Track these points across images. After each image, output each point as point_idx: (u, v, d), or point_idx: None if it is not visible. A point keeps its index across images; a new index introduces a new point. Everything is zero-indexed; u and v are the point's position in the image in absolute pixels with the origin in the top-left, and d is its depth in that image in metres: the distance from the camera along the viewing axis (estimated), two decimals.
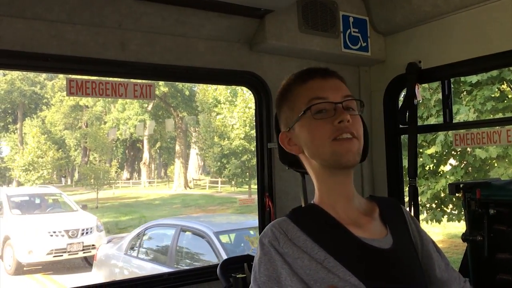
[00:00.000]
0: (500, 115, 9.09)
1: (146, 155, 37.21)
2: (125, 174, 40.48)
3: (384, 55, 2.97)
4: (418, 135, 2.87)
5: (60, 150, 34.99)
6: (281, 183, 2.75)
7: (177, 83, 29.60)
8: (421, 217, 9.96)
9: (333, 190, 1.35)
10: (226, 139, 26.08)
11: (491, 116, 9.01)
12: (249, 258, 1.87)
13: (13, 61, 2.14)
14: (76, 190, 32.23)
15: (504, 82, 9.44)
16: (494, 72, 8.66)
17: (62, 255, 12.28)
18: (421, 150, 9.63)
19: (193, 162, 35.66)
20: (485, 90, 9.11)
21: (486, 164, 9.83)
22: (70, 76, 2.27)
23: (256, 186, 2.88)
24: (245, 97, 24.07)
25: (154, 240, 8.40)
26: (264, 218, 2.71)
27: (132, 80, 2.46)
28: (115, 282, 2.65)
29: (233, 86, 22.15)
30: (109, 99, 28.35)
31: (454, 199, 9.68)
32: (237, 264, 1.78)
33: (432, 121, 9.29)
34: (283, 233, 1.27)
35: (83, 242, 12.49)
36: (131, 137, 36.99)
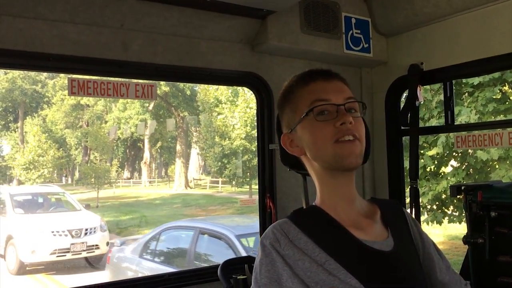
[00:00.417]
0: (501, 117, 9.08)
1: (146, 155, 37.21)
2: (126, 173, 40.50)
3: (386, 56, 2.96)
4: (419, 136, 2.87)
5: (61, 149, 34.99)
6: (282, 184, 2.75)
7: (178, 83, 29.59)
8: (422, 218, 9.95)
9: (335, 192, 1.35)
10: (227, 139, 26.07)
11: (493, 117, 9.00)
12: (249, 260, 1.86)
13: (15, 60, 2.14)
14: (76, 189, 32.23)
15: (506, 84, 9.43)
16: (496, 74, 8.65)
17: (65, 255, 12.20)
18: (422, 152, 9.62)
19: (194, 162, 35.66)
20: (486, 91, 9.10)
21: (488, 166, 9.81)
22: (72, 75, 2.27)
23: (256, 186, 2.88)
24: (246, 97, 24.06)
25: (170, 243, 8.15)
26: (265, 219, 2.71)
27: (133, 80, 2.46)
28: (115, 282, 2.65)
29: (234, 87, 22.17)
30: (110, 98, 28.41)
31: (455, 200, 9.66)
32: (238, 266, 1.78)
33: (434, 122, 9.28)
34: (284, 235, 1.27)
35: (86, 242, 12.39)
36: (132, 137, 37.00)
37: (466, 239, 2.00)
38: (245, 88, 3.90)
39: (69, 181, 40.25)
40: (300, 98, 1.36)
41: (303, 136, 1.35)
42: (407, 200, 2.92)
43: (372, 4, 2.87)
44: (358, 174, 1.41)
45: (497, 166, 9.70)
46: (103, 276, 8.89)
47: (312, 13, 2.69)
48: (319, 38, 2.71)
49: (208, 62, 2.56)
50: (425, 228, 10.20)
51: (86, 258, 12.62)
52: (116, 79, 2.37)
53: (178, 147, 34.15)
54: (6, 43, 2.02)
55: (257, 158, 2.86)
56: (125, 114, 34.64)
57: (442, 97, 2.85)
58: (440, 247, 1.53)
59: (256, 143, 2.91)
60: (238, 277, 1.65)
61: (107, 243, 12.94)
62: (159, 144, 37.92)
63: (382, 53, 2.95)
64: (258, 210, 2.82)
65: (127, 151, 40.67)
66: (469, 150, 9.44)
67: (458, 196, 2.07)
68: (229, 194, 27.74)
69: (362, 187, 3.04)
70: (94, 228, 12.82)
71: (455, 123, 2.86)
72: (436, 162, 10.06)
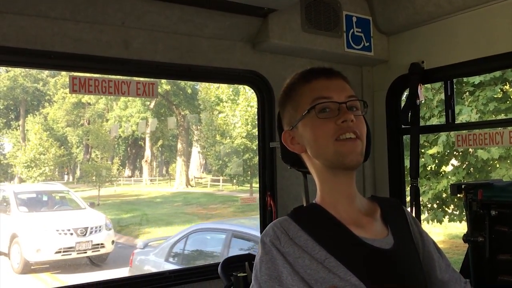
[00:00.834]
0: (502, 116, 9.07)
1: (147, 153, 37.21)
2: (127, 171, 40.50)
3: (387, 55, 2.97)
4: (420, 135, 2.87)
5: (62, 147, 34.98)
6: (282, 182, 2.75)
7: (179, 81, 29.59)
8: (422, 217, 9.95)
9: (335, 190, 1.36)
10: (228, 137, 26.07)
11: (493, 116, 9.00)
12: (250, 257, 1.87)
13: (16, 58, 2.14)
14: (78, 187, 32.24)
15: (507, 83, 9.42)
16: (497, 73, 8.64)
17: (70, 254, 12.09)
18: (423, 150, 9.62)
19: (195, 160, 35.67)
20: (487, 90, 9.10)
21: (488, 165, 9.81)
22: (73, 73, 2.28)
23: (257, 185, 2.88)
24: (247, 96, 24.05)
25: (198, 246, 7.72)
26: (266, 217, 2.72)
27: (135, 78, 2.46)
28: (117, 279, 2.66)
29: (235, 85, 22.16)
30: (112, 96, 28.39)
31: (455, 199, 9.67)
32: (238, 263, 1.78)
33: (434, 121, 9.28)
34: (284, 233, 1.28)
35: (92, 241, 12.28)
36: (133, 135, 37.01)
37: (466, 238, 2.00)
38: (246, 87, 3.91)
39: (70, 179, 40.28)
40: (302, 96, 1.37)
41: (304, 133, 1.36)
42: (408, 198, 2.92)
43: (373, 2, 2.87)
44: (358, 172, 1.41)
45: (497, 165, 9.70)
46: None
47: (313, 12, 2.69)
48: (320, 37, 2.71)
49: (209, 60, 2.56)
50: (426, 227, 10.20)
51: (88, 257, 12.53)
52: (117, 77, 2.37)
53: (179, 146, 34.15)
54: (8, 40, 2.03)
55: (257, 156, 2.87)
56: (126, 112, 34.63)
57: (443, 96, 2.85)
58: (440, 245, 1.53)
59: (257, 142, 2.91)
60: (239, 275, 1.66)
61: (113, 242, 12.87)
62: (160, 142, 37.92)
63: (383, 52, 2.95)
64: (258, 208, 2.82)
65: (128, 149, 40.67)
66: (470, 149, 9.44)
67: (458, 195, 2.07)
68: (230, 192, 27.75)
69: (362, 185, 3.04)
70: (100, 227, 12.70)
71: (455, 122, 2.86)
72: (436, 161, 10.06)
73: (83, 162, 36.27)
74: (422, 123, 7.56)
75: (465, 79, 9.00)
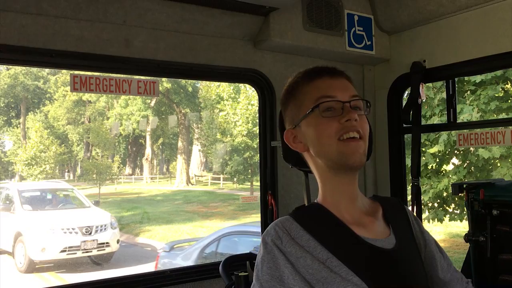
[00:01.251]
0: (504, 115, 9.06)
1: (148, 151, 37.23)
2: (127, 169, 40.53)
3: (388, 54, 2.96)
4: (421, 134, 2.86)
5: (63, 145, 35.04)
6: (284, 181, 2.75)
7: (180, 79, 29.58)
8: (423, 216, 9.95)
9: (337, 190, 1.35)
10: (228, 135, 26.08)
11: (495, 116, 8.99)
12: (251, 257, 1.86)
13: (17, 56, 2.14)
14: (78, 185, 32.28)
15: (508, 82, 9.41)
16: (498, 72, 8.63)
17: (75, 253, 11.96)
18: (424, 149, 9.62)
19: (195, 159, 35.68)
20: (489, 89, 9.09)
21: (489, 164, 9.81)
22: (74, 72, 2.27)
23: (258, 183, 2.88)
24: (248, 94, 24.05)
25: (230, 250, 7.17)
26: (267, 216, 2.71)
27: (136, 76, 2.46)
28: (117, 278, 2.66)
29: (236, 83, 22.15)
30: (113, 95, 28.37)
31: (456, 198, 9.67)
32: (239, 262, 1.78)
33: (435, 120, 9.27)
34: (286, 232, 1.27)
35: (97, 240, 12.14)
36: (134, 133, 37.02)
37: (467, 237, 1.99)
38: (247, 85, 3.90)
39: (71, 177, 40.32)
40: (305, 94, 1.36)
41: (308, 132, 1.35)
42: (409, 197, 2.92)
43: (375, 1, 2.87)
44: (359, 172, 1.41)
45: (498, 164, 9.70)
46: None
47: (314, 10, 2.68)
48: (322, 35, 2.70)
49: (210, 59, 2.56)
50: (426, 225, 10.19)
51: (89, 257, 12.40)
52: (119, 75, 2.37)
53: (179, 144, 34.17)
54: (9, 39, 2.02)
55: (258, 155, 2.86)
56: (127, 110, 34.65)
57: (444, 94, 2.84)
58: (441, 244, 1.53)
59: (258, 140, 2.90)
60: (240, 274, 1.65)
61: (118, 241, 12.74)
62: (160, 140, 37.96)
63: (385, 51, 2.94)
64: (259, 207, 2.82)
65: (129, 147, 40.69)
66: (471, 148, 9.43)
67: (460, 194, 2.07)
68: (231, 191, 27.77)
69: (364, 185, 3.04)
70: (105, 226, 12.56)
71: (457, 121, 2.85)
72: (437, 160, 10.06)
73: (83, 160, 36.29)
74: (423, 122, 7.55)
75: (466, 78, 8.99)
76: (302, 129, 1.37)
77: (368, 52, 2.87)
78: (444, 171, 10.30)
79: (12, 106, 40.51)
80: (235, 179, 26.52)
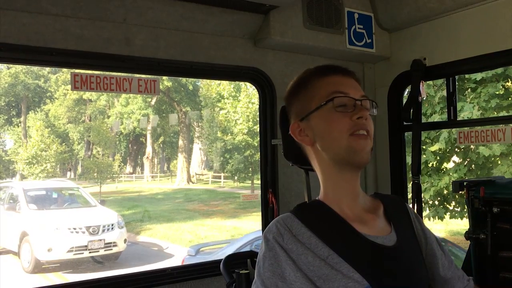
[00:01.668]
0: (504, 113, 9.06)
1: (149, 150, 37.24)
2: (128, 168, 40.55)
3: (389, 51, 2.96)
4: (421, 132, 2.87)
5: (64, 143, 35.05)
6: (284, 179, 2.75)
7: (180, 78, 29.56)
8: (424, 213, 9.95)
9: (339, 187, 1.36)
10: (229, 134, 26.09)
11: (495, 113, 8.99)
12: (252, 254, 1.87)
13: (18, 55, 2.14)
14: (79, 184, 32.31)
15: (509, 80, 9.41)
16: (499, 69, 8.64)
17: (82, 253, 11.78)
18: (424, 147, 9.63)
19: (196, 157, 35.69)
20: (489, 87, 9.09)
21: (490, 162, 9.81)
22: (74, 70, 2.27)
23: (258, 181, 2.89)
24: (249, 92, 24.05)
25: None
26: (267, 214, 2.72)
27: (136, 75, 2.46)
28: (118, 276, 2.66)
29: (237, 82, 22.14)
30: (113, 93, 28.40)
31: (456, 196, 9.67)
32: (240, 260, 1.79)
33: (436, 118, 9.27)
34: (287, 229, 1.28)
35: (104, 239, 11.96)
36: (134, 132, 37.03)
37: (468, 235, 1.99)
38: (248, 83, 3.90)
39: (72, 176, 40.33)
40: (317, 88, 1.37)
41: (318, 125, 1.35)
42: (409, 195, 2.92)
43: None
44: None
45: (499, 162, 9.70)
46: None
47: (314, 8, 2.68)
48: (322, 33, 2.70)
49: (211, 57, 2.56)
50: (427, 223, 10.20)
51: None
52: (119, 74, 2.37)
53: (180, 142, 34.17)
54: (9, 37, 2.03)
55: (259, 153, 2.86)
56: (128, 109, 34.65)
57: (444, 92, 2.84)
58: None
59: (259, 138, 2.91)
60: (241, 272, 1.66)
61: (125, 240, 12.56)
62: (161, 139, 37.96)
63: (385, 49, 2.94)
64: (260, 205, 2.82)
65: (130, 146, 40.71)
66: (471, 146, 9.43)
67: (460, 192, 2.07)
68: (231, 189, 27.78)
69: (364, 182, 3.04)
70: (112, 225, 12.37)
71: (457, 119, 2.85)
72: (438, 158, 10.07)
73: (84, 159, 36.31)
74: (423, 120, 7.56)
75: (467, 76, 8.99)
76: (311, 122, 1.37)
77: (368, 50, 2.88)
78: (444, 169, 10.31)
79: (13, 105, 40.52)
80: (235, 177, 26.53)
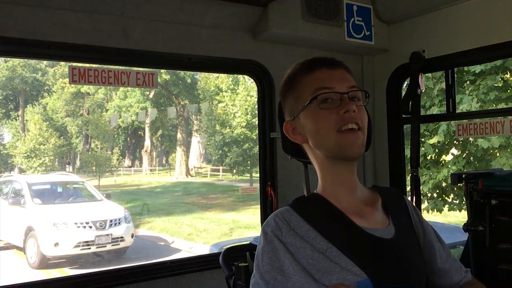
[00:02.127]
0: (503, 105, 9.06)
1: (147, 143, 37.21)
2: (127, 161, 40.54)
3: (387, 44, 2.95)
4: (420, 124, 2.86)
5: (62, 137, 35.00)
6: (283, 172, 2.75)
7: (179, 71, 29.49)
8: (422, 206, 9.98)
9: (337, 180, 1.36)
10: (227, 127, 26.06)
11: (494, 105, 8.99)
12: (251, 247, 1.87)
13: (15, 48, 2.13)
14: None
15: (508, 72, 9.40)
16: (498, 62, 8.62)
17: (90, 248, 11.53)
18: (423, 140, 9.62)
19: (195, 150, 35.68)
20: (488, 79, 9.07)
21: (488, 154, 9.82)
22: (72, 64, 2.26)
23: (257, 175, 2.89)
24: (247, 85, 24.01)
25: None
26: (266, 207, 2.72)
27: (134, 68, 2.45)
28: (118, 269, 2.67)
29: (235, 75, 22.09)
30: (111, 86, 28.35)
31: (455, 188, 9.69)
32: (239, 253, 1.79)
33: (435, 110, 9.26)
34: (286, 223, 1.28)
35: (111, 234, 11.70)
36: (133, 125, 36.98)
37: (466, 227, 2.00)
38: (246, 76, 3.89)
39: (71, 170, 40.33)
40: (303, 86, 1.36)
41: (306, 124, 1.35)
42: (408, 188, 2.93)
43: None
44: (359, 162, 1.41)
45: (498, 154, 9.71)
46: None
47: (313, 1, 2.67)
48: (321, 26, 2.69)
49: (209, 50, 2.55)
50: (426, 216, 10.21)
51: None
52: (117, 67, 2.36)
53: (178, 136, 34.15)
54: (7, 31, 2.02)
55: (258, 146, 2.86)
56: (126, 102, 34.56)
57: (443, 85, 2.84)
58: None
59: (257, 132, 2.90)
60: (240, 265, 1.66)
61: (132, 235, 12.38)
62: (159, 132, 37.91)
63: (384, 41, 2.93)
64: (259, 198, 2.83)
65: (128, 139, 40.67)
66: (470, 138, 9.44)
67: (459, 184, 2.07)
68: (230, 182, 27.80)
69: (363, 175, 3.04)
70: (119, 219, 12.12)
71: (456, 111, 2.85)
72: (437, 150, 10.07)
73: (83, 152, 36.28)
74: (422, 112, 7.54)
75: (466, 68, 8.98)
76: (301, 121, 1.37)
77: (367, 43, 2.87)
78: (443, 162, 10.32)
79: (11, 98, 40.38)
80: (234, 170, 26.54)
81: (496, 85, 9.15)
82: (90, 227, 11.65)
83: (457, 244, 3.32)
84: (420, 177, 2.90)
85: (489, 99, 8.96)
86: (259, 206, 2.87)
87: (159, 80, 31.58)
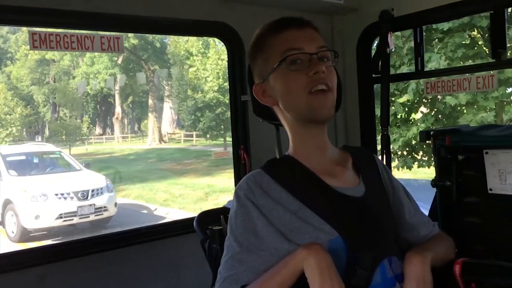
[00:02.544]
0: (470, 62, 9.21)
1: (118, 110, 36.57)
2: (98, 129, 39.87)
3: (357, 3, 2.92)
4: (390, 84, 2.88)
5: (29, 106, 34.05)
6: (255, 135, 2.75)
7: (146, 34, 28.73)
8: (393, 164, 10.22)
9: (307, 142, 1.36)
10: (199, 92, 25.79)
11: (462, 63, 9.13)
12: (225, 211, 1.88)
13: None
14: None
15: (475, 29, 9.50)
16: (465, 19, 8.70)
17: (72, 219, 11.23)
18: (393, 99, 9.75)
19: (167, 116, 35.31)
20: (456, 37, 9.17)
21: (456, 111, 10.05)
22: (33, 28, 2.17)
23: (231, 138, 2.88)
24: (218, 49, 23.64)
25: None
26: (240, 171, 2.73)
27: (99, 32, 2.36)
28: (95, 237, 2.66)
29: (205, 38, 21.66)
30: (76, 52, 27.48)
31: (424, 146, 9.93)
32: (214, 217, 1.79)
33: (405, 69, 9.36)
34: (258, 185, 1.29)
35: (94, 204, 11.43)
36: (102, 92, 36.17)
37: (434, 183, 2.05)
38: (216, 40, 3.81)
39: (40, 139, 39.46)
40: (272, 47, 1.34)
41: (276, 86, 1.34)
42: (379, 147, 2.97)
43: None
44: (330, 123, 1.41)
45: (465, 111, 9.94)
46: None
47: None
48: None
49: (176, 12, 2.48)
50: (396, 173, 10.49)
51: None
52: (81, 31, 2.27)
53: (150, 102, 33.65)
54: None
55: (229, 110, 2.84)
56: (93, 69, 33.66)
57: (413, 43, 2.85)
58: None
59: (229, 95, 2.88)
60: (214, 228, 1.67)
61: (115, 204, 12.17)
62: (130, 99, 37.25)
63: (353, 0, 2.90)
64: (232, 162, 2.83)
65: (98, 107, 39.85)
66: (438, 96, 9.61)
67: (427, 141, 2.11)
68: (204, 147, 27.76)
69: (334, 136, 3.07)
70: (101, 189, 11.82)
71: (425, 70, 2.87)
72: (406, 109, 10.24)
73: (51, 122, 35.44)
74: (392, 72, 7.61)
75: (434, 26, 9.03)
76: (270, 83, 1.36)
77: (337, 2, 2.83)
78: (413, 120, 10.52)
79: None
80: (208, 135, 26.46)
81: (463, 42, 9.26)
82: (72, 198, 11.36)
83: None
84: (391, 136, 2.94)
85: (457, 56, 9.09)
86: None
87: (127, 45, 30.78)
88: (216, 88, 24.11)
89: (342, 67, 2.99)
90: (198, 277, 2.06)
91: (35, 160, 13.84)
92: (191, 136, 31.07)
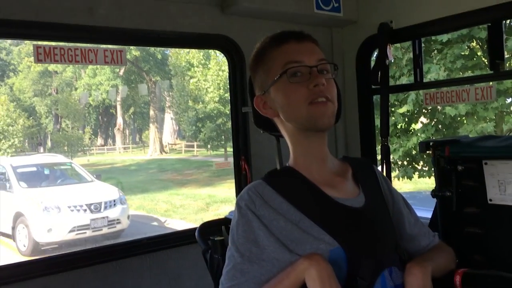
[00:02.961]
0: (469, 73, 9.24)
1: (120, 121, 36.66)
2: (99, 140, 39.92)
3: (356, 15, 2.96)
4: (390, 94, 2.91)
5: (31, 117, 34.13)
6: (256, 146, 2.77)
7: (148, 47, 28.88)
8: (393, 174, 10.21)
9: (308, 153, 1.38)
10: (200, 102, 25.85)
11: (461, 74, 9.16)
12: (226, 221, 1.89)
13: None
14: None
15: (474, 40, 9.55)
16: (464, 30, 8.74)
17: (85, 232, 10.90)
18: (393, 109, 9.78)
19: (168, 127, 35.36)
20: (455, 48, 9.22)
21: (456, 122, 10.06)
22: (37, 42, 2.20)
23: (231, 149, 2.90)
24: (218, 60, 23.75)
25: None
26: (241, 181, 2.74)
27: (102, 45, 2.39)
28: (95, 248, 2.67)
29: (206, 50, 21.75)
30: (79, 65, 27.55)
31: (424, 156, 9.93)
32: (215, 227, 1.81)
33: (404, 80, 9.39)
34: (259, 196, 1.30)
35: (107, 217, 11.12)
36: (104, 103, 36.27)
37: (434, 193, 2.06)
38: (217, 51, 3.85)
39: (42, 150, 39.46)
40: (273, 60, 1.36)
41: (277, 98, 1.36)
42: (379, 157, 2.99)
43: None
44: (330, 133, 1.44)
45: (465, 121, 9.96)
46: None
47: None
48: None
49: (178, 25, 2.51)
50: (396, 183, 10.49)
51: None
52: (84, 45, 2.31)
53: (151, 112, 33.73)
54: None
55: (230, 121, 2.87)
56: (95, 80, 33.78)
57: (412, 55, 2.87)
58: (410, 201, 1.59)
59: (230, 106, 2.90)
60: (216, 239, 1.68)
61: (128, 217, 11.87)
62: (132, 109, 37.35)
63: (352, 12, 2.94)
64: (233, 172, 2.85)
65: (100, 117, 39.94)
66: (438, 107, 9.64)
67: (427, 152, 2.12)
68: (205, 157, 27.77)
69: (334, 146, 3.09)
70: (114, 201, 11.52)
71: (424, 81, 2.90)
72: (406, 120, 10.26)
73: (53, 133, 35.50)
74: (392, 83, 7.65)
75: (433, 38, 9.08)
76: (271, 95, 1.38)
77: (336, 14, 2.86)
78: (412, 130, 10.53)
79: None
80: (209, 145, 26.47)
81: (462, 53, 9.31)
82: (85, 210, 11.02)
83: None
84: (391, 146, 2.96)
85: (456, 67, 9.12)
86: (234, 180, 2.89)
87: (129, 56, 30.93)
88: (217, 98, 24.16)
89: (342, 78, 3.02)
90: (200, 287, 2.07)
91: (46, 172, 13.46)
92: (192, 146, 31.09)
